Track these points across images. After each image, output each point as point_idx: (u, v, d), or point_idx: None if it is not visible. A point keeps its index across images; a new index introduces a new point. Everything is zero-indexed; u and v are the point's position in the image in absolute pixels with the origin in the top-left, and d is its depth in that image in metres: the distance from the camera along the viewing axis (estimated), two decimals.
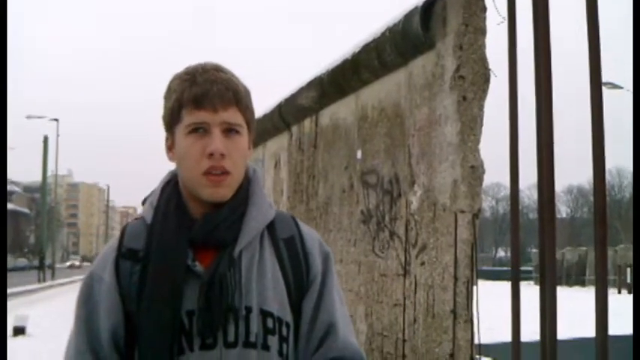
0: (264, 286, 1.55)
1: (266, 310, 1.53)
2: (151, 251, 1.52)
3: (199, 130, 1.51)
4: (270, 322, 1.53)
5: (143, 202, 1.60)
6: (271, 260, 1.59)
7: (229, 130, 1.54)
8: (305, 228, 1.72)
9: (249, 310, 1.52)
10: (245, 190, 1.62)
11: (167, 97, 1.58)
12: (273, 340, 1.52)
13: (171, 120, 1.57)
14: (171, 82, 1.58)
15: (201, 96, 1.51)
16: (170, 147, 1.61)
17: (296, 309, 1.61)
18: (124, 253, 1.54)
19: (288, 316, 1.58)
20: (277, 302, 1.56)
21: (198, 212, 1.56)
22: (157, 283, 1.47)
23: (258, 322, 1.52)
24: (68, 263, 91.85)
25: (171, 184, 1.62)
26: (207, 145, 1.50)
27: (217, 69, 1.57)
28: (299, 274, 1.61)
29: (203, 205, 1.56)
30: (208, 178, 1.51)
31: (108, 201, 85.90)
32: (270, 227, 1.63)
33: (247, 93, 1.63)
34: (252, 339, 1.51)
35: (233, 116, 1.55)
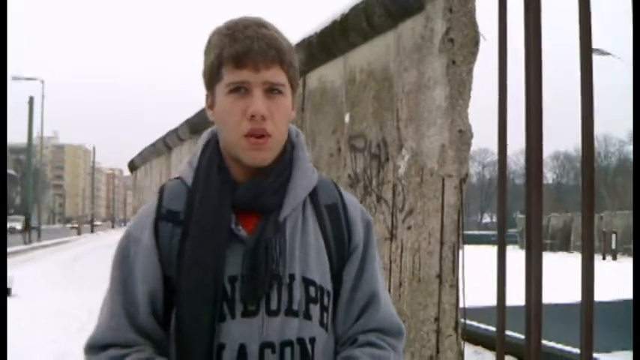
0: (307, 254, 1.51)
1: (309, 279, 1.50)
2: (192, 214, 1.46)
3: (240, 89, 1.44)
4: (312, 291, 1.50)
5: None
6: (314, 227, 1.54)
7: (272, 90, 1.47)
8: (347, 195, 1.66)
9: (292, 277, 1.48)
10: (289, 154, 1.56)
11: (207, 52, 1.49)
12: (315, 309, 1.49)
13: (211, 77, 1.49)
14: (212, 36, 1.49)
15: (242, 54, 1.43)
16: (210, 105, 1.53)
17: (337, 278, 1.57)
18: (164, 215, 1.49)
19: (329, 285, 1.54)
20: (320, 271, 1.52)
21: (240, 175, 1.50)
22: (200, 247, 1.42)
23: (300, 290, 1.48)
24: (69, 225, 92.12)
25: (212, 145, 1.56)
26: (248, 105, 1.44)
27: (259, 24, 1.49)
28: (341, 242, 1.57)
29: (246, 168, 1.49)
30: (249, 141, 1.44)
31: (94, 163, 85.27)
32: (313, 193, 1.57)
33: (291, 50, 1.57)
34: (295, 307, 1.47)
35: (276, 75, 1.48)
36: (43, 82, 46.42)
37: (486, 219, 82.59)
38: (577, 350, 3.50)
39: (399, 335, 1.67)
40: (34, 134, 46.88)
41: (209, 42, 1.50)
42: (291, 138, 1.60)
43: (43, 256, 29.84)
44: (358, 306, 1.59)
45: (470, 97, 5.29)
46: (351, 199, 1.66)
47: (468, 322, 5.55)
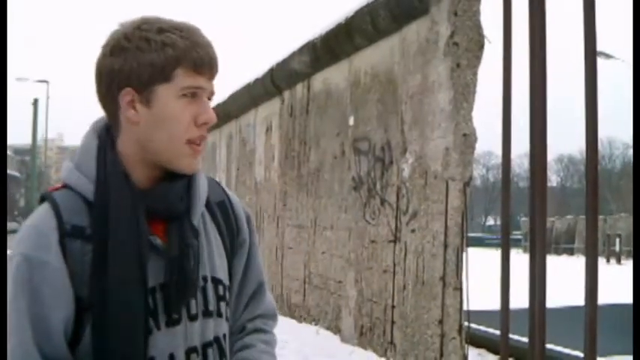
0: (212, 253, 1.53)
1: (217, 278, 1.52)
2: (104, 228, 1.37)
3: (192, 95, 1.41)
4: (221, 290, 1.52)
5: (67, 174, 1.45)
6: (211, 225, 1.56)
7: (209, 99, 1.46)
8: (230, 192, 1.69)
9: (205, 279, 1.49)
10: None
11: (149, 49, 1.40)
12: (223, 307, 1.52)
13: (153, 75, 1.40)
14: (158, 34, 1.41)
15: (203, 60, 1.41)
16: (138, 104, 1.41)
17: (229, 271, 1.60)
18: (69, 232, 1.37)
19: (227, 280, 1.58)
20: (222, 267, 1.55)
21: (144, 182, 1.44)
22: (123, 263, 1.36)
23: (212, 291, 1.50)
24: None
25: (107, 150, 1.44)
26: (200, 112, 1.41)
27: (201, 32, 1.47)
28: (232, 237, 1.60)
29: (150, 174, 1.44)
30: (192, 147, 1.42)
31: None
32: None
33: None
34: (211, 308, 1.49)
35: (214, 85, 1.48)
36: (48, 83, 46.50)
37: (490, 222, 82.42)
38: (581, 354, 3.49)
39: (276, 317, 1.75)
40: (39, 136, 46.96)
41: (155, 40, 1.39)
42: None
43: None
44: (247, 296, 1.65)
45: (474, 100, 5.29)
46: (234, 195, 1.68)
47: (472, 325, 5.55)
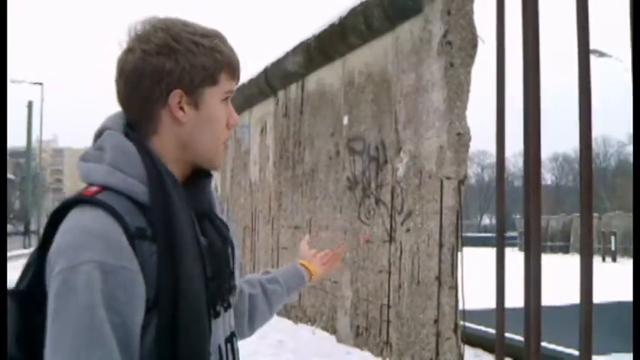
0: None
1: (231, 270, 1.58)
2: (170, 229, 1.39)
3: (225, 99, 1.51)
4: (232, 282, 1.58)
5: (88, 177, 1.43)
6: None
7: None
8: None
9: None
10: None
11: (199, 52, 1.45)
12: (232, 299, 1.59)
13: (204, 78, 1.45)
14: (204, 38, 1.46)
15: (238, 66, 1.52)
16: (186, 106, 1.45)
17: None
18: (136, 233, 1.35)
19: None
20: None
21: (180, 180, 1.50)
22: (191, 261, 1.40)
23: (230, 282, 1.57)
24: None
25: (147, 150, 1.45)
26: (230, 115, 1.52)
27: None
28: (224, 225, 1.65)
29: (182, 173, 1.50)
30: (225, 146, 1.54)
31: None
32: None
33: None
34: (232, 300, 1.57)
35: None
36: (42, 85, 46.42)
37: (485, 221, 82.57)
38: (576, 352, 3.49)
39: None
40: (34, 138, 46.87)
41: (203, 44, 1.45)
42: None
43: None
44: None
45: (468, 99, 5.29)
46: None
47: (467, 324, 5.55)
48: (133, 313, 1.32)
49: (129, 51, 1.44)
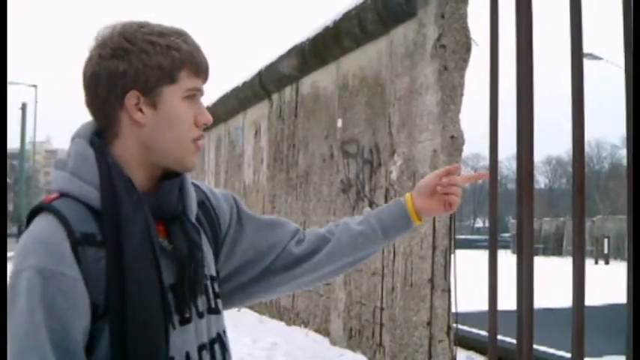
0: (206, 251, 1.55)
1: (213, 275, 1.57)
2: (118, 233, 1.37)
3: (190, 97, 1.46)
4: (216, 286, 1.56)
5: (54, 184, 1.42)
6: (197, 221, 1.58)
7: None
8: (205, 187, 1.72)
9: (206, 277, 1.53)
10: None
11: (155, 52, 1.43)
12: (220, 303, 1.56)
13: (160, 77, 1.43)
14: (160, 37, 1.44)
15: (202, 63, 1.48)
16: (144, 106, 1.43)
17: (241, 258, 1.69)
18: (80, 239, 1.35)
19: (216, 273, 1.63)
20: (212, 263, 1.59)
21: (144, 184, 1.47)
22: (140, 266, 1.37)
23: (211, 288, 1.55)
24: None
25: (106, 155, 1.44)
26: (199, 113, 1.47)
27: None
28: (214, 230, 1.64)
29: (149, 176, 1.47)
30: (196, 145, 1.48)
31: None
32: None
33: None
34: (212, 305, 1.53)
35: None
36: (36, 87, 46.34)
37: (479, 223, 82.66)
38: (569, 355, 3.50)
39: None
40: (27, 139, 46.77)
41: (159, 43, 1.42)
42: None
43: None
44: (283, 243, 1.72)
45: (462, 102, 5.31)
46: (211, 188, 1.73)
47: (460, 326, 5.56)
48: (74, 319, 1.31)
49: (89, 58, 1.44)
